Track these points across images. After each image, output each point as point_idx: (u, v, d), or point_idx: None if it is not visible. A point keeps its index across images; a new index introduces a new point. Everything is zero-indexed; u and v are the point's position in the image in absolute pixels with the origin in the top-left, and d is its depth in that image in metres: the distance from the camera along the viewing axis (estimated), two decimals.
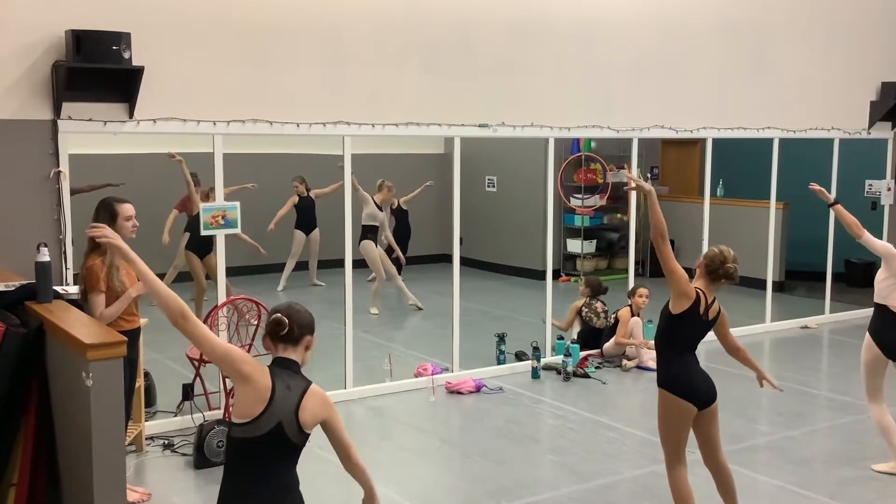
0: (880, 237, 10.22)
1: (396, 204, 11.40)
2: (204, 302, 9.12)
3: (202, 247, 9.02)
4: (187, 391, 6.44)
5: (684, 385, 4.39)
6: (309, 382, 3.10)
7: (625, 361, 8.14)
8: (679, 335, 4.44)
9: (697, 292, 4.39)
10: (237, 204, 6.67)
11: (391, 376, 7.52)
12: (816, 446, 6.33)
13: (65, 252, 5.87)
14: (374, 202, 10.17)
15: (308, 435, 3.07)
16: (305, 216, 11.43)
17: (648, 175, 13.37)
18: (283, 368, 3.08)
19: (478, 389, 7.41)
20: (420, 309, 10.39)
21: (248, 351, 6.70)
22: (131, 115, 6.00)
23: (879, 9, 10.08)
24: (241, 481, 3.01)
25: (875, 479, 5.64)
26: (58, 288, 5.05)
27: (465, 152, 7.71)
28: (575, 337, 8.49)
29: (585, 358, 8.12)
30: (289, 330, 3.10)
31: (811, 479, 5.68)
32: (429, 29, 7.31)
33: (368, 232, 10.12)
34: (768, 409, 7.07)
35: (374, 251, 10.13)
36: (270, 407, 2.97)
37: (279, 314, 3.13)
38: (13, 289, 4.78)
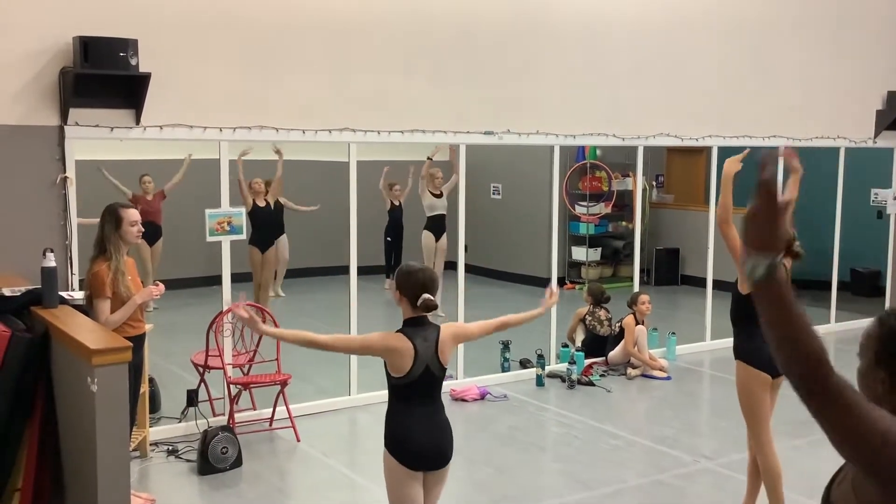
0: (886, 247, 10.26)
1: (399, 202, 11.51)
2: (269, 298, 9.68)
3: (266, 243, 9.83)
4: (192, 397, 6.44)
5: (764, 355, 4.57)
6: (438, 327, 3.76)
7: (629, 370, 8.13)
8: (753, 311, 4.57)
9: None
10: (242, 210, 6.69)
11: None
12: (822, 455, 6.29)
13: (71, 257, 5.89)
14: (430, 192, 10.23)
15: (446, 369, 3.79)
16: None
17: (654, 183, 13.38)
18: (415, 326, 3.70)
19: (482, 397, 7.41)
20: None
21: (253, 357, 6.73)
22: (138, 121, 6.02)
23: (886, 18, 10.08)
24: (403, 408, 3.73)
25: None
26: (63, 293, 5.06)
27: (470, 160, 7.72)
28: (579, 345, 8.48)
29: (590, 366, 8.11)
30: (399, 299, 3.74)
31: (817, 488, 5.64)
32: (435, 37, 7.33)
33: (428, 223, 10.33)
34: (773, 417, 7.03)
35: (428, 242, 10.23)
36: (417, 360, 3.65)
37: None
38: (19, 294, 4.79)
